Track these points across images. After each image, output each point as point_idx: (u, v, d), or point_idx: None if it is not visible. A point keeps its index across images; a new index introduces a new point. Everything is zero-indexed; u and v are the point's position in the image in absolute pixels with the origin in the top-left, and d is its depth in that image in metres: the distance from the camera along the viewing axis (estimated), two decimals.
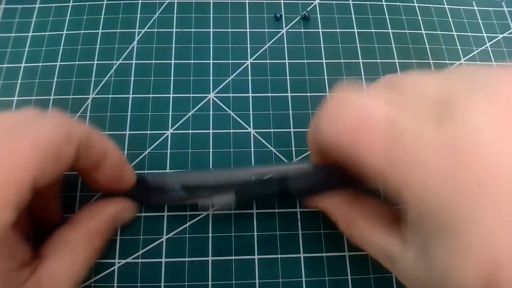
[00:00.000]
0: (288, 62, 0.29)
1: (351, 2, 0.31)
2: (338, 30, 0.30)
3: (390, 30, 0.30)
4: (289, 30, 0.30)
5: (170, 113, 0.27)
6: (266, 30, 0.30)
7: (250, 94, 0.28)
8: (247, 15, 0.30)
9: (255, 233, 0.24)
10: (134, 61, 0.28)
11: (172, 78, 0.28)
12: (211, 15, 0.31)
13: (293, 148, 0.26)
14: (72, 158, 0.17)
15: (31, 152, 0.15)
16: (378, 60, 0.29)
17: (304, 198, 0.22)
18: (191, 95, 0.27)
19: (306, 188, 0.21)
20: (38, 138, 0.15)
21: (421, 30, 0.31)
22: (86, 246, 0.19)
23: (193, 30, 0.30)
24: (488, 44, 0.31)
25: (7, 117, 0.16)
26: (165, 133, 0.26)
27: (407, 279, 0.16)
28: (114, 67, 0.28)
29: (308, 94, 0.28)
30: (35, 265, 0.17)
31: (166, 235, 0.24)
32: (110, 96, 0.27)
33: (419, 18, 0.31)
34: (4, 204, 0.14)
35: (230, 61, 0.29)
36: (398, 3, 0.32)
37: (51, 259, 0.17)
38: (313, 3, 0.31)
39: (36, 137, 0.15)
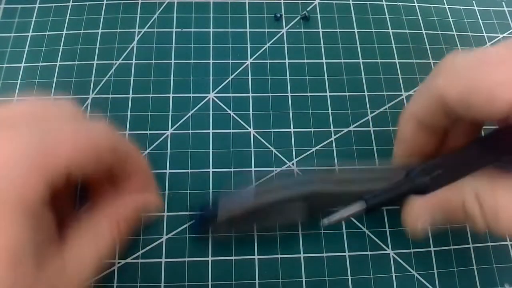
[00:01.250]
0: (288, 62, 0.29)
1: (351, 2, 0.31)
2: (338, 30, 0.30)
3: (390, 30, 0.30)
4: (289, 30, 0.30)
5: (170, 113, 0.27)
6: (266, 30, 0.30)
7: (250, 94, 0.28)
8: (247, 15, 0.30)
9: (255, 234, 0.24)
10: (134, 61, 0.28)
11: (172, 78, 0.28)
12: (211, 15, 0.31)
13: (293, 148, 0.26)
14: (108, 167, 0.18)
15: (82, 144, 0.16)
16: (378, 60, 0.29)
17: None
18: (191, 95, 0.27)
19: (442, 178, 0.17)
20: (92, 134, 0.17)
21: (421, 30, 0.31)
22: (112, 232, 0.19)
23: (193, 30, 0.30)
24: (488, 44, 0.31)
25: (73, 105, 0.18)
26: (165, 133, 0.26)
27: None
28: (114, 67, 0.28)
29: (308, 94, 0.28)
30: (60, 245, 0.17)
31: (166, 235, 0.24)
32: (110, 96, 0.27)
33: (419, 18, 0.31)
34: (45, 173, 0.15)
35: (230, 61, 0.29)
36: (398, 3, 0.32)
37: (76, 242, 0.17)
38: (313, 3, 0.31)
39: (90, 132, 0.17)
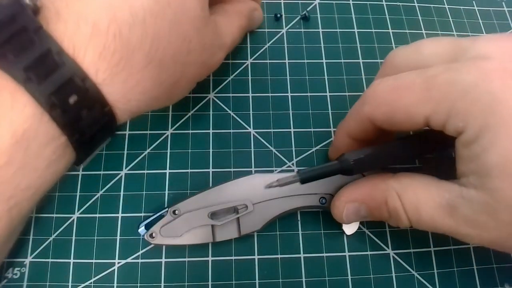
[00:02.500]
0: (288, 62, 0.29)
1: (351, 2, 0.31)
2: (338, 30, 0.30)
3: (390, 30, 0.30)
4: (289, 30, 0.30)
5: (170, 113, 0.27)
6: (266, 30, 0.30)
7: (250, 94, 0.28)
8: None
9: (255, 234, 0.24)
10: None
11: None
12: None
13: (293, 148, 0.26)
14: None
15: None
16: (378, 60, 0.29)
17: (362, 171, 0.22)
18: (191, 95, 0.27)
19: (368, 160, 0.20)
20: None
21: (421, 30, 0.31)
22: (238, 19, 0.24)
23: None
24: None
25: None
26: (165, 133, 0.26)
27: (471, 221, 0.17)
28: None
29: (308, 94, 0.28)
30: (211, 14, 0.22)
31: None
32: None
33: (420, 18, 0.31)
34: None
35: (230, 61, 0.29)
36: (398, 3, 0.32)
37: (225, 15, 0.23)
38: (313, 3, 0.31)
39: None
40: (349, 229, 0.23)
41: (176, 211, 0.22)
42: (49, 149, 0.16)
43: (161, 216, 0.22)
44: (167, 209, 0.22)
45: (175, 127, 0.26)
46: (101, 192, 0.24)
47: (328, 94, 0.28)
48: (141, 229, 0.22)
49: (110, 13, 0.16)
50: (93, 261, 0.23)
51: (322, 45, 0.29)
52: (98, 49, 0.16)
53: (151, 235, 0.22)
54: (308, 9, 0.31)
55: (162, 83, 0.19)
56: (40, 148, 0.15)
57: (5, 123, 0.14)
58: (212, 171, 0.25)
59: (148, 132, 0.26)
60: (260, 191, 0.23)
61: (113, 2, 0.16)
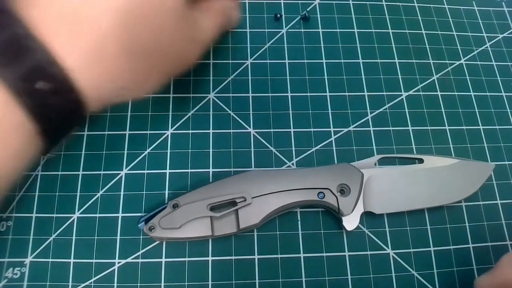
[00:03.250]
0: (288, 62, 0.29)
1: (351, 2, 0.31)
2: (338, 30, 0.30)
3: (390, 30, 0.30)
4: (289, 30, 0.30)
5: (170, 113, 0.27)
6: (266, 30, 0.30)
7: (250, 94, 0.28)
8: (247, 15, 0.30)
9: (255, 233, 0.24)
10: None
11: (172, 78, 0.28)
12: None
13: (293, 148, 0.26)
14: None
15: None
16: (378, 60, 0.29)
17: None
18: (191, 95, 0.27)
19: None
20: None
21: (421, 30, 0.31)
22: (216, 16, 0.24)
23: None
24: (488, 44, 0.31)
25: None
26: (165, 133, 0.26)
27: None
28: None
29: (308, 94, 0.28)
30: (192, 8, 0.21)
31: None
32: None
33: (419, 18, 0.31)
34: None
35: (230, 61, 0.29)
36: (398, 3, 0.32)
37: (203, 12, 0.23)
38: (313, 3, 0.31)
39: None
40: (350, 224, 0.23)
41: (176, 204, 0.22)
42: (15, 136, 0.15)
43: (161, 210, 0.22)
44: (167, 204, 0.22)
45: (175, 127, 0.26)
46: (101, 192, 0.24)
47: (328, 94, 0.28)
48: (141, 224, 0.22)
49: (85, 0, 0.16)
50: (93, 261, 0.23)
51: (322, 45, 0.30)
52: (69, 35, 0.15)
53: (150, 228, 0.22)
54: (308, 9, 0.31)
55: (133, 72, 0.18)
56: (6, 135, 0.15)
57: None
58: (212, 171, 0.25)
59: (148, 132, 0.26)
60: (258, 186, 0.23)
61: None
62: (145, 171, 0.25)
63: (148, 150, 0.26)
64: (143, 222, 0.22)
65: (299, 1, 0.31)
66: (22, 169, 0.16)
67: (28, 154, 0.16)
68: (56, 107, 0.16)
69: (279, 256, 0.24)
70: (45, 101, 0.15)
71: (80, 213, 0.24)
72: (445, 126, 0.28)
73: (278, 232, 0.24)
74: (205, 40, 0.23)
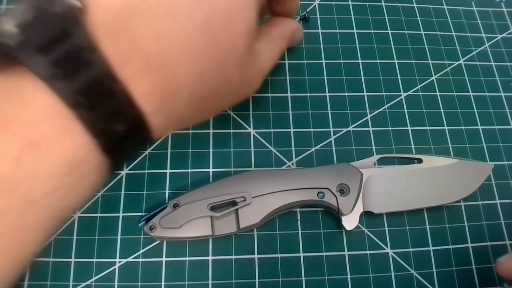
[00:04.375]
0: (288, 62, 0.29)
1: (350, 3, 0.31)
2: (337, 31, 0.30)
3: (389, 31, 0.31)
4: None
5: None
6: None
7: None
8: None
9: (255, 233, 0.24)
10: None
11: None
12: None
13: (293, 148, 0.26)
14: None
15: None
16: (378, 61, 0.29)
17: None
18: None
19: None
20: None
21: (420, 31, 0.31)
22: (281, 43, 0.24)
23: None
24: (487, 45, 0.31)
25: None
26: None
27: None
28: None
29: (308, 94, 0.28)
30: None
31: None
32: None
33: (418, 18, 0.31)
34: None
35: None
36: (397, 4, 0.32)
37: (263, 42, 0.22)
38: (313, 3, 0.31)
39: None
40: (349, 224, 0.23)
41: (177, 204, 0.22)
42: (96, 173, 0.16)
43: (162, 210, 0.22)
44: (168, 204, 0.22)
45: None
46: (102, 192, 0.25)
47: (327, 94, 0.28)
48: (141, 224, 0.22)
49: (164, 48, 0.15)
50: (94, 260, 0.23)
51: (322, 45, 0.30)
52: (149, 84, 0.15)
53: (150, 227, 0.22)
54: (307, 10, 0.31)
55: (199, 113, 0.19)
56: (88, 173, 0.15)
57: (59, 148, 0.14)
58: (212, 171, 0.25)
59: None
60: (258, 186, 0.23)
61: (167, 38, 0.15)
62: (146, 171, 0.25)
63: (148, 150, 0.26)
64: (144, 222, 0.22)
65: (299, 2, 0.31)
66: (93, 185, 0.17)
67: (99, 183, 0.17)
68: (129, 147, 0.16)
69: (279, 255, 0.24)
70: (124, 145, 0.16)
71: (81, 213, 0.24)
72: (444, 126, 0.28)
73: (278, 232, 0.24)
74: (268, 70, 0.23)
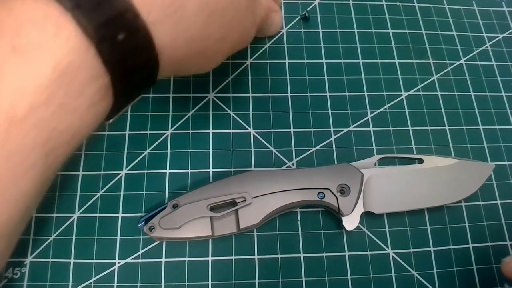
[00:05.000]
0: (288, 62, 0.29)
1: (351, 2, 0.31)
2: (338, 30, 0.30)
3: (390, 30, 0.30)
4: (289, 30, 0.30)
5: (170, 113, 0.27)
6: None
7: (250, 94, 0.28)
8: None
9: (255, 233, 0.24)
10: None
11: (172, 78, 0.28)
12: None
13: (293, 148, 0.26)
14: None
15: None
16: (378, 60, 0.29)
17: None
18: (191, 95, 0.27)
19: None
20: None
21: (421, 30, 0.31)
22: (264, 10, 0.25)
23: None
24: (488, 44, 0.31)
25: None
26: (165, 133, 0.26)
27: None
28: None
29: (308, 94, 0.28)
30: None
31: None
32: None
33: (419, 18, 0.31)
34: None
35: (230, 61, 0.29)
36: (398, 3, 0.32)
37: None
38: (313, 3, 0.31)
39: None
40: (350, 224, 0.23)
41: (176, 204, 0.22)
42: (92, 88, 0.14)
43: (161, 210, 0.22)
44: (167, 204, 0.22)
45: (175, 127, 0.26)
46: (101, 192, 0.24)
47: (328, 94, 0.28)
48: (141, 224, 0.22)
49: None
50: (93, 261, 0.23)
51: (322, 45, 0.30)
52: None
53: (150, 228, 0.22)
54: (308, 9, 0.31)
55: (209, 36, 0.18)
56: (83, 86, 0.14)
57: (47, 54, 0.13)
58: (212, 171, 0.25)
59: (148, 132, 0.26)
60: (258, 186, 0.23)
61: None
62: (145, 171, 0.25)
63: (148, 150, 0.26)
64: (143, 222, 0.22)
65: (299, 1, 0.31)
66: (92, 128, 0.15)
67: (100, 111, 0.15)
68: (133, 62, 0.15)
69: (279, 256, 0.24)
70: (123, 54, 0.14)
71: (80, 213, 0.24)
72: (445, 126, 0.28)
73: (278, 232, 0.24)
74: (259, 18, 0.23)
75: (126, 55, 0.14)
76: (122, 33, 0.14)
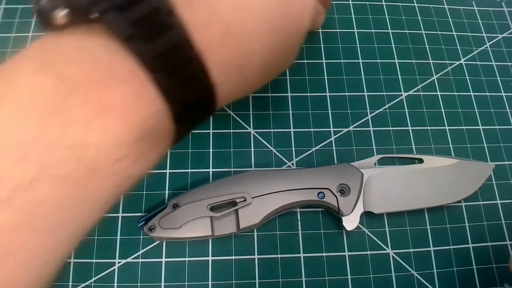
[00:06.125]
0: None
1: (351, 2, 0.31)
2: (338, 30, 0.30)
3: (390, 30, 0.30)
4: None
5: None
6: None
7: (250, 94, 0.28)
8: None
9: (255, 233, 0.24)
10: None
11: None
12: None
13: (293, 148, 0.26)
14: None
15: None
16: (378, 60, 0.29)
17: None
18: None
19: None
20: None
21: (421, 30, 0.31)
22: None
23: None
24: (488, 44, 0.31)
25: None
26: None
27: None
28: None
29: (308, 94, 0.28)
30: None
31: None
32: None
33: (419, 18, 0.31)
34: None
35: None
36: (398, 3, 0.32)
37: None
38: None
39: None
40: (350, 224, 0.23)
41: (176, 204, 0.22)
42: (163, 144, 0.15)
43: (162, 210, 0.22)
44: (167, 204, 0.22)
45: None
46: None
47: (328, 94, 0.28)
48: (141, 224, 0.22)
49: (243, 18, 0.15)
50: (94, 261, 0.23)
51: (322, 45, 0.30)
52: (223, 53, 0.15)
53: (150, 228, 0.22)
54: None
55: (257, 84, 0.19)
56: (157, 141, 0.15)
57: (130, 116, 0.13)
58: (212, 171, 0.25)
59: None
60: (258, 186, 0.23)
61: (246, 9, 0.15)
62: None
63: None
64: (143, 222, 0.22)
65: None
66: (160, 155, 0.16)
67: (163, 142, 0.16)
68: (195, 117, 0.16)
69: (279, 256, 0.24)
70: (190, 112, 0.15)
71: None
72: (445, 126, 0.28)
73: (278, 232, 0.24)
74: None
75: (193, 116, 0.16)
76: (192, 95, 0.14)
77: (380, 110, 0.28)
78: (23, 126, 0.12)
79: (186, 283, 0.23)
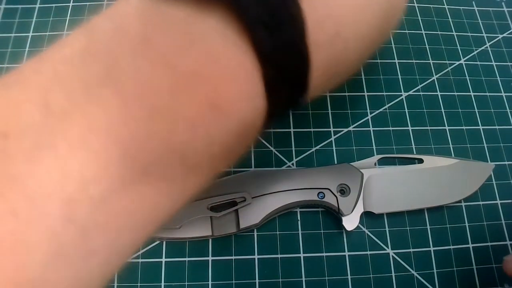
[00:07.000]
0: None
1: None
2: None
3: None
4: None
5: None
6: None
7: None
8: None
9: (255, 233, 0.24)
10: None
11: None
12: None
13: (293, 148, 0.26)
14: None
15: None
16: (378, 60, 0.29)
17: None
18: None
19: None
20: None
21: (421, 30, 0.31)
22: None
23: None
24: (488, 44, 0.31)
25: None
26: None
27: None
28: None
29: None
30: None
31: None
32: None
33: (419, 18, 0.31)
34: None
35: None
36: None
37: None
38: None
39: None
40: (350, 224, 0.23)
41: None
42: (251, 138, 0.14)
43: None
44: None
45: None
46: None
47: (328, 94, 0.28)
48: None
49: (357, 21, 0.14)
50: None
51: None
52: (327, 55, 0.13)
53: None
54: None
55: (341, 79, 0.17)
56: (248, 138, 0.14)
57: (238, 115, 0.12)
58: None
59: None
60: (258, 186, 0.23)
61: (360, 10, 0.14)
62: None
63: None
64: None
65: None
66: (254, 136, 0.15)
67: (255, 123, 0.14)
68: (288, 94, 0.13)
69: (279, 256, 0.24)
70: (285, 86, 0.13)
71: None
72: (445, 126, 0.28)
73: (278, 232, 0.24)
74: None
75: (280, 112, 0.14)
76: (288, 96, 0.13)
77: (380, 110, 0.28)
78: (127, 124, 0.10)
79: (186, 283, 0.23)
